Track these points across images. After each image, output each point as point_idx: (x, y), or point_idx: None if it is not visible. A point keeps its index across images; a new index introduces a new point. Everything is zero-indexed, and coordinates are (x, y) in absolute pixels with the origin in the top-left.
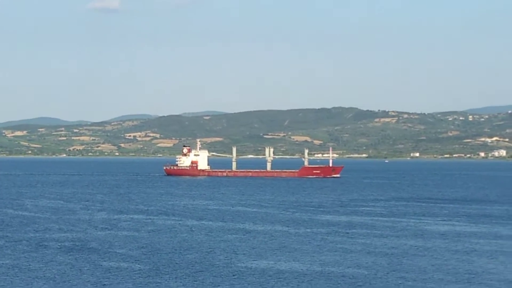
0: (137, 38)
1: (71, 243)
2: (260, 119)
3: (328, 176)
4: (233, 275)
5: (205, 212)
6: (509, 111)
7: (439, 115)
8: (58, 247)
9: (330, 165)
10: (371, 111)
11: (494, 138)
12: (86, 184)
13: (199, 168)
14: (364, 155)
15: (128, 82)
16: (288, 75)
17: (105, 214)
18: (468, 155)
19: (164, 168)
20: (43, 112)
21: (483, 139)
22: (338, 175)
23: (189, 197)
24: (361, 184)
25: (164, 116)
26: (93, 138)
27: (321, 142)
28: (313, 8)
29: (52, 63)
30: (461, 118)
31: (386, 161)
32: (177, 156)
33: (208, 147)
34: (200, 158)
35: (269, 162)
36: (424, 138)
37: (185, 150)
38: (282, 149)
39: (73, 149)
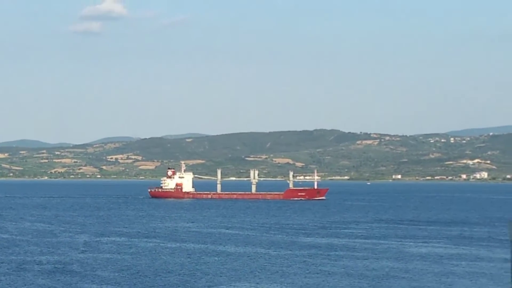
0: (119, 61)
1: (52, 265)
2: (242, 142)
3: (313, 199)
4: None
5: (187, 235)
6: (491, 133)
7: (420, 137)
8: (39, 269)
9: (315, 187)
10: (353, 133)
11: (476, 160)
12: (70, 206)
13: (184, 190)
14: (346, 177)
15: (109, 104)
16: (270, 97)
17: (86, 236)
18: (450, 177)
19: (149, 190)
20: (25, 134)
21: (464, 161)
22: (323, 197)
23: (171, 220)
24: (346, 207)
25: (146, 139)
26: (75, 160)
27: (303, 164)
28: (296, 30)
29: (34, 85)
30: (442, 140)
31: (368, 183)
32: (161, 179)
33: (190, 169)
34: (185, 181)
35: (254, 184)
36: (406, 160)
37: (169, 173)
38: (264, 171)
39: (55, 171)
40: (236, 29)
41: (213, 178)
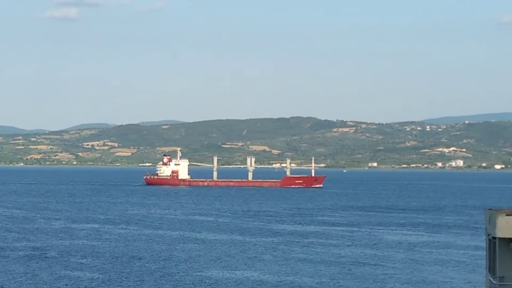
0: (96, 47)
1: (30, 252)
2: (218, 129)
3: (310, 186)
4: (193, 284)
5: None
6: (466, 122)
7: (396, 125)
8: (17, 256)
9: (313, 175)
10: (329, 121)
11: (452, 148)
12: (71, 194)
13: (179, 177)
14: (322, 165)
15: (85, 90)
16: (246, 85)
17: (63, 223)
18: (426, 165)
19: (144, 177)
20: (0, 120)
21: (440, 149)
22: (320, 185)
23: (165, 207)
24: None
25: (122, 125)
26: (51, 147)
27: (279, 151)
28: (273, 18)
29: (9, 71)
30: (418, 128)
31: (344, 171)
32: (157, 165)
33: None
34: (181, 168)
35: (250, 172)
36: (382, 148)
37: (165, 160)
38: (240, 158)
39: (31, 158)
40: (212, 16)
41: (209, 165)
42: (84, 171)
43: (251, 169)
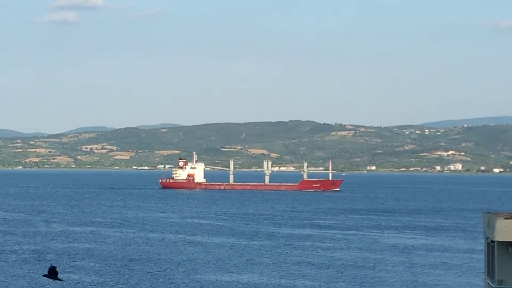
0: (94, 50)
1: (33, 254)
2: (217, 132)
3: (328, 190)
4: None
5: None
6: (465, 125)
7: (395, 129)
8: (20, 259)
9: (330, 178)
10: (328, 124)
11: (450, 152)
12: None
13: (196, 181)
14: (320, 168)
15: (84, 94)
16: (245, 88)
17: (63, 226)
18: (424, 169)
19: (160, 181)
20: None
21: (439, 152)
22: (338, 189)
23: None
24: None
25: (121, 129)
26: (50, 150)
27: (278, 155)
28: (271, 23)
29: (8, 74)
30: (417, 132)
31: (343, 174)
32: (173, 169)
33: (165, 159)
34: (197, 171)
35: (267, 175)
36: (381, 151)
37: (181, 163)
38: (239, 162)
39: (29, 161)
40: (211, 20)
41: (226, 168)
42: (94, 174)
43: (267, 172)
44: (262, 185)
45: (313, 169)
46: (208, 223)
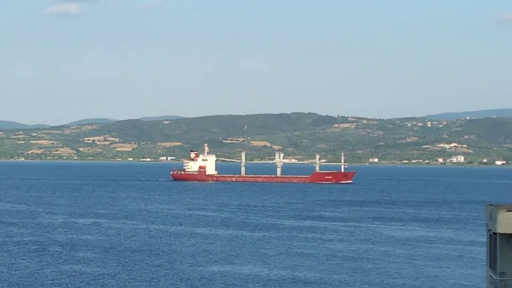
0: (96, 42)
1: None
2: (219, 124)
3: (340, 182)
4: (199, 279)
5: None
6: (467, 118)
7: (397, 121)
8: (22, 250)
9: (342, 171)
10: (330, 116)
11: (452, 144)
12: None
13: (207, 173)
14: (323, 160)
15: (86, 86)
16: (247, 80)
17: (71, 218)
18: (427, 161)
19: (171, 173)
20: (1, 115)
21: (441, 145)
22: (350, 181)
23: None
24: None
25: (123, 120)
26: (52, 142)
27: (280, 147)
28: (273, 14)
29: (10, 66)
30: (419, 124)
31: (346, 166)
32: (184, 161)
33: (167, 151)
34: (208, 163)
35: (279, 167)
36: (383, 143)
37: (192, 155)
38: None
39: (31, 153)
40: (213, 12)
41: (237, 160)
42: (99, 166)
43: (279, 164)
44: (274, 177)
45: (323, 162)
46: (227, 216)
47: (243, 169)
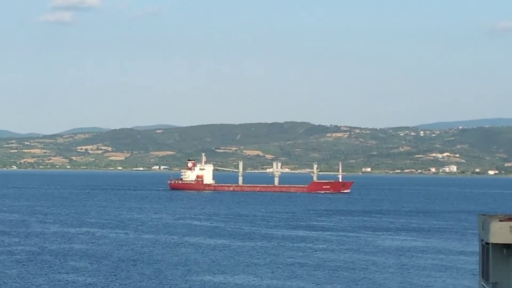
0: (90, 51)
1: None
2: (212, 133)
3: (338, 192)
4: None
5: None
6: (460, 127)
7: (390, 131)
8: (14, 259)
9: (340, 180)
10: (323, 126)
11: (445, 154)
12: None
13: (204, 182)
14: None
15: (79, 94)
16: (240, 89)
17: (60, 227)
18: (419, 171)
19: (169, 182)
20: None
21: (434, 154)
22: (348, 191)
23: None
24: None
25: (116, 129)
26: (45, 151)
27: (273, 156)
28: (266, 22)
29: (3, 74)
30: (412, 134)
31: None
32: (182, 170)
33: (160, 160)
34: (206, 172)
35: (276, 177)
36: (376, 153)
37: (190, 164)
38: (234, 163)
39: (24, 161)
40: (206, 21)
41: (231, 170)
42: (94, 175)
43: (277, 173)
44: (271, 186)
45: (321, 172)
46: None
47: (240, 179)
